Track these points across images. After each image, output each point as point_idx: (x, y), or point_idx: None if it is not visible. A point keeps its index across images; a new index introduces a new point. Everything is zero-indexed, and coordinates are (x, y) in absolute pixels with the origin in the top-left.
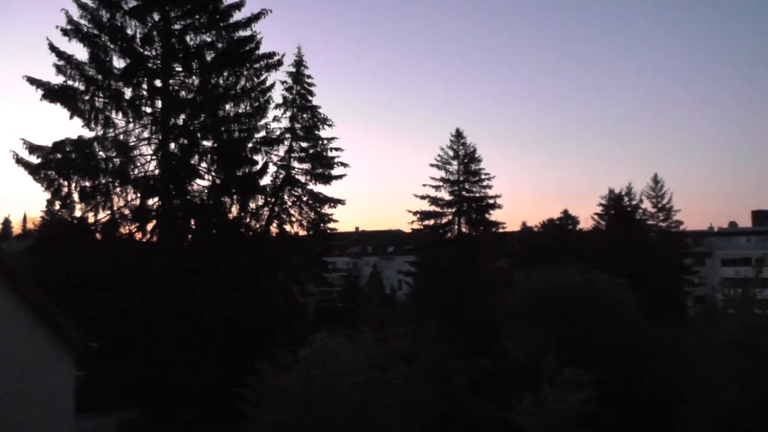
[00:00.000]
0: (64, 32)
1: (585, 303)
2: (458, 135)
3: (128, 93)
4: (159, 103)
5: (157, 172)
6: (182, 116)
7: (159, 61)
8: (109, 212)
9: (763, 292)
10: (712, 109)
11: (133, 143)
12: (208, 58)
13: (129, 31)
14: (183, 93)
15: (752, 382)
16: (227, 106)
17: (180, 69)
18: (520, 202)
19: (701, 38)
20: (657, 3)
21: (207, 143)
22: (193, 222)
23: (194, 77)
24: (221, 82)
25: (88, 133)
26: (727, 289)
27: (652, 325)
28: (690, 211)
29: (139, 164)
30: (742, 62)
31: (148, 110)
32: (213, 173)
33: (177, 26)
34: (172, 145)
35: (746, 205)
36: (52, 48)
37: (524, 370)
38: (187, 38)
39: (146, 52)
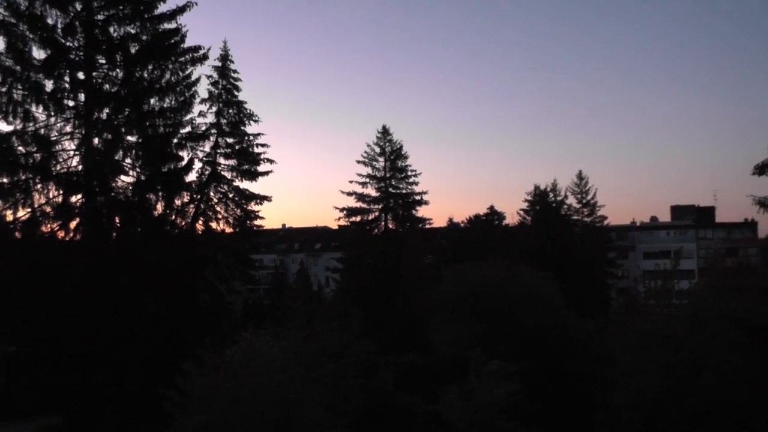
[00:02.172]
0: None
1: (510, 296)
2: (385, 132)
3: (49, 85)
4: (82, 97)
5: (80, 167)
6: (106, 110)
7: (81, 53)
8: (29, 210)
9: (680, 283)
10: (634, 107)
11: (54, 138)
12: (133, 51)
13: (49, 21)
14: (107, 86)
15: (670, 369)
16: (152, 101)
17: (103, 61)
18: (446, 199)
19: (622, 36)
20: (575, 1)
21: (131, 138)
22: (117, 219)
23: (118, 70)
24: (146, 75)
25: (6, 127)
26: (648, 281)
27: (576, 317)
28: (613, 207)
29: (61, 160)
30: (661, 60)
31: (71, 104)
32: (138, 169)
33: (100, 17)
34: (96, 140)
35: (666, 201)
36: None
37: (451, 364)
38: (111, 29)
39: (68, 43)
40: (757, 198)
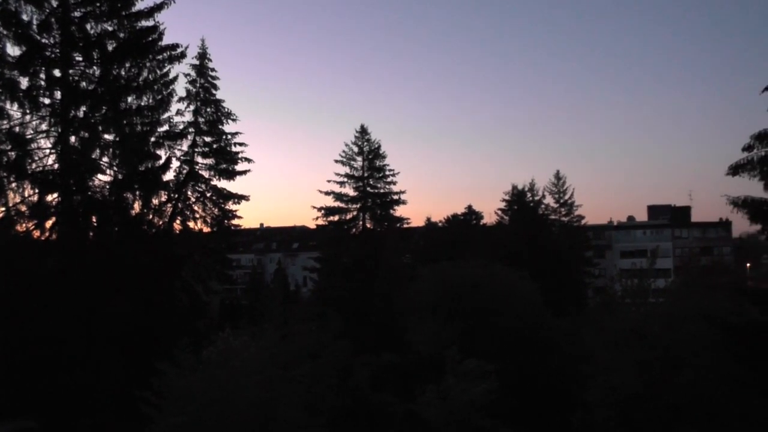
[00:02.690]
0: None
1: (487, 296)
2: (363, 131)
3: (24, 83)
4: (58, 94)
5: (56, 166)
6: (83, 108)
7: (57, 50)
8: (3, 209)
9: (656, 282)
10: (611, 108)
11: (30, 136)
12: (110, 48)
13: (24, 17)
14: (83, 84)
15: (646, 366)
16: (129, 99)
17: (80, 59)
18: (424, 198)
19: (600, 37)
20: (555, 3)
21: (108, 137)
22: (94, 219)
23: (95, 68)
24: (123, 73)
25: None
26: (625, 280)
27: (553, 316)
28: (590, 207)
29: (36, 158)
30: (637, 61)
31: (47, 101)
32: (115, 168)
33: (77, 13)
34: (72, 138)
35: (643, 201)
36: None
37: (428, 363)
38: (88, 26)
39: (44, 40)
40: (731, 198)
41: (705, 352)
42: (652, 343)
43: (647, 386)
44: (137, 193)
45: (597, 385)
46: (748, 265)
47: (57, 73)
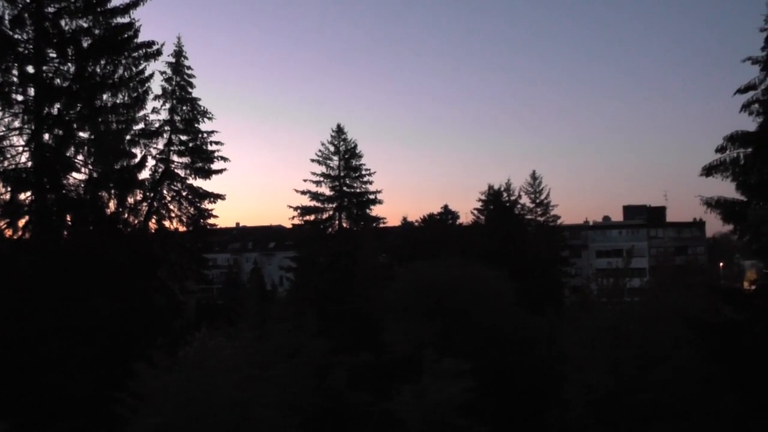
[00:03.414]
0: None
1: (464, 295)
2: (339, 130)
3: None
4: (32, 91)
5: (29, 164)
6: (57, 105)
7: (31, 46)
8: None
9: (632, 281)
10: (588, 108)
11: (2, 133)
12: (85, 45)
13: None
14: (58, 81)
15: (620, 364)
16: (105, 96)
17: (54, 55)
18: (400, 198)
19: (574, 37)
20: (531, 3)
21: (83, 134)
22: (68, 218)
23: (70, 64)
24: (98, 70)
25: None
26: (601, 279)
27: (530, 315)
28: (567, 207)
29: (9, 156)
30: (613, 62)
31: (20, 98)
32: (90, 166)
33: (50, 9)
34: (46, 136)
35: (618, 201)
36: None
37: (404, 362)
38: (62, 23)
39: (17, 36)
40: (705, 198)
41: (679, 350)
42: (627, 341)
43: (622, 384)
44: (112, 191)
45: (573, 383)
46: (721, 264)
47: (30, 69)
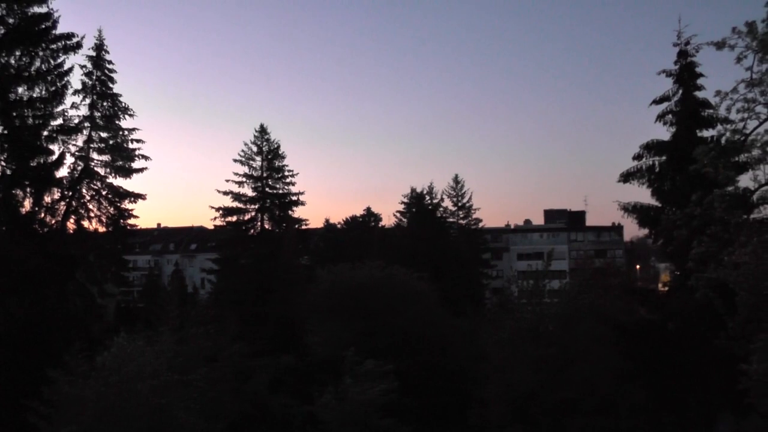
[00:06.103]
0: None
1: (385, 296)
2: (262, 131)
3: None
4: None
5: None
6: None
7: None
8: None
9: (552, 283)
10: (510, 114)
11: None
12: None
13: None
14: None
15: (540, 363)
16: (20, 89)
17: None
18: (323, 200)
19: (499, 43)
20: (456, 6)
21: None
22: None
23: None
24: (13, 62)
25: None
26: (521, 281)
27: (451, 316)
28: (489, 210)
29: None
30: (536, 69)
31: None
32: (3, 163)
33: None
34: None
35: (540, 205)
36: None
37: (326, 365)
38: None
39: None
40: (622, 204)
41: (597, 348)
42: (547, 341)
43: (542, 382)
44: (28, 190)
45: (493, 382)
46: (637, 267)
47: None
